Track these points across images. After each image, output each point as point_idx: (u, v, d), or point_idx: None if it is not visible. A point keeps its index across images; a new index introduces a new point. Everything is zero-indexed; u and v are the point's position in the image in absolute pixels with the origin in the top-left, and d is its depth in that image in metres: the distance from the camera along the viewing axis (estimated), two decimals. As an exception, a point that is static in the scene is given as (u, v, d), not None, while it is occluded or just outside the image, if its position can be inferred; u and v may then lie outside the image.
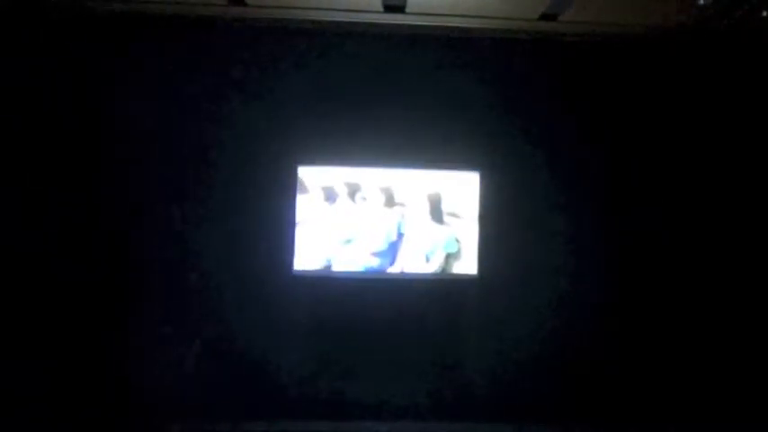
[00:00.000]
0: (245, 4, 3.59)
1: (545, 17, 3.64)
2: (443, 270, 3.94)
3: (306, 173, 3.89)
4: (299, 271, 3.83)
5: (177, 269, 3.85)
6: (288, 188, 3.84)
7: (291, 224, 3.82)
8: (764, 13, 3.33)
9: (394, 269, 3.93)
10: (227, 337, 3.86)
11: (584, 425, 3.87)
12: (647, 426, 3.89)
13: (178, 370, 3.83)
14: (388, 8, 3.61)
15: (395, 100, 3.92)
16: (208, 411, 3.80)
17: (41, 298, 3.76)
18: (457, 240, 3.94)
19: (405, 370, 3.91)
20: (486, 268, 3.87)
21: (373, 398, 3.89)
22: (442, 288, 3.91)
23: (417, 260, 3.96)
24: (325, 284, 3.87)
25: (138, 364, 3.81)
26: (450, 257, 3.95)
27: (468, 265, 3.93)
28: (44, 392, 3.70)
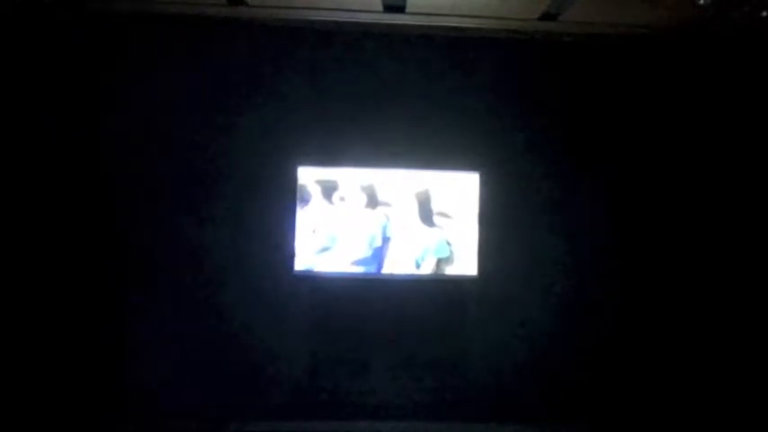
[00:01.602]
0: (245, 4, 3.59)
1: (545, 17, 3.64)
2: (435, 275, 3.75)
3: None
4: (299, 271, 3.83)
5: (178, 269, 3.85)
6: (288, 189, 3.83)
7: (292, 224, 3.81)
8: (764, 13, 3.32)
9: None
10: (228, 337, 3.86)
11: (585, 425, 3.87)
12: (646, 426, 3.88)
13: (179, 370, 3.83)
14: (388, 8, 3.61)
15: (395, 100, 3.92)
16: (208, 411, 3.80)
17: (41, 297, 3.76)
18: (448, 243, 3.75)
19: (405, 370, 3.91)
20: (486, 269, 3.87)
21: (373, 398, 3.89)
22: (442, 288, 3.91)
23: (406, 267, 3.70)
24: (326, 284, 3.87)
25: (137, 364, 3.81)
26: (441, 262, 3.77)
27: (460, 269, 3.77)
28: (44, 392, 3.70)
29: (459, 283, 3.89)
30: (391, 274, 3.83)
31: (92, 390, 3.77)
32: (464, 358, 3.94)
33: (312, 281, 3.86)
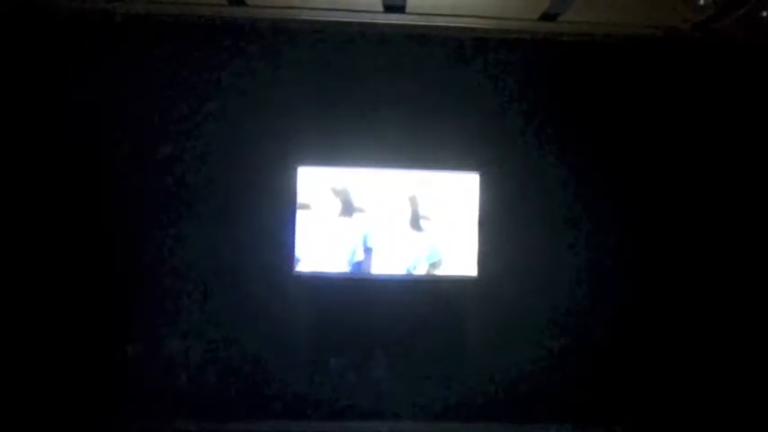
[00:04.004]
0: (245, 4, 3.59)
1: (545, 17, 3.64)
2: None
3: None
4: (299, 271, 3.83)
5: (177, 270, 3.85)
6: (288, 189, 3.83)
7: (292, 224, 3.81)
8: (764, 13, 3.32)
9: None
10: (228, 337, 3.86)
11: (585, 425, 3.87)
12: (647, 427, 3.88)
13: (178, 370, 3.83)
14: (388, 8, 3.61)
15: (394, 100, 3.91)
16: (208, 411, 3.80)
17: (41, 298, 3.75)
18: (437, 248, 3.67)
19: (405, 370, 3.91)
20: (487, 269, 3.87)
21: (373, 398, 3.89)
22: (442, 289, 3.90)
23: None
24: (326, 285, 3.86)
25: (137, 364, 3.81)
26: (431, 267, 3.74)
27: (449, 271, 3.72)
28: (44, 392, 3.70)
29: (458, 283, 3.89)
30: (392, 275, 3.81)
31: (92, 390, 3.76)
32: (464, 358, 3.94)
33: (313, 281, 3.86)
